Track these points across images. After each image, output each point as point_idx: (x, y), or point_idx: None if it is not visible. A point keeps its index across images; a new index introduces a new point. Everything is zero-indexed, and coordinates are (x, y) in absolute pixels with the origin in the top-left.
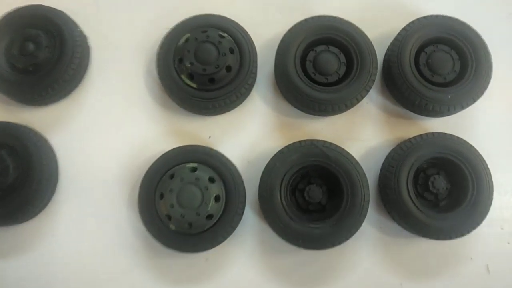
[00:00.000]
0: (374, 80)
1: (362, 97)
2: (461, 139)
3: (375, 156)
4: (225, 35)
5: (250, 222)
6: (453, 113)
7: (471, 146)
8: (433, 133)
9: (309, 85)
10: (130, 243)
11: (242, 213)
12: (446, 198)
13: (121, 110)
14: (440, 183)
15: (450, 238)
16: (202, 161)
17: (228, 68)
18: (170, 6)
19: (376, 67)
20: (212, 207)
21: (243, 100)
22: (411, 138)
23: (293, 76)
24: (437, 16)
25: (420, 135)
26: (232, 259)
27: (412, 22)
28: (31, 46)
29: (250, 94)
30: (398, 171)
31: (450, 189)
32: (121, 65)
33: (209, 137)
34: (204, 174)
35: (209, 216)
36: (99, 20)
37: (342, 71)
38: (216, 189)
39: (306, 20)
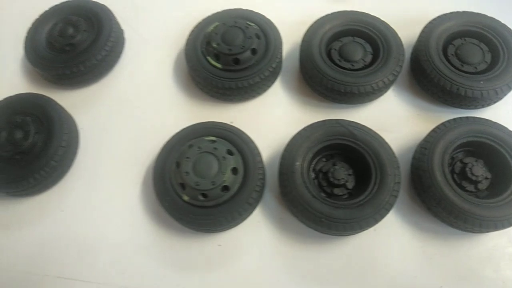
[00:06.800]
0: (401, 66)
1: (390, 81)
2: (498, 123)
3: (404, 147)
4: (252, 24)
5: (269, 210)
6: (488, 102)
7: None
8: (467, 117)
9: (334, 69)
10: (142, 224)
11: (261, 190)
12: (487, 189)
13: (147, 97)
14: (478, 170)
15: (495, 228)
16: (221, 135)
17: (254, 51)
18: (200, 4)
19: (403, 54)
20: (228, 178)
21: (267, 86)
22: (444, 122)
23: (318, 60)
24: (463, 12)
25: (454, 118)
26: (246, 246)
27: (438, 16)
28: (70, 29)
29: (274, 84)
30: (431, 153)
31: (491, 179)
32: (151, 57)
33: (231, 122)
34: (222, 146)
35: (225, 188)
36: (136, 18)
37: (368, 59)
38: (233, 161)
39: (332, 13)
